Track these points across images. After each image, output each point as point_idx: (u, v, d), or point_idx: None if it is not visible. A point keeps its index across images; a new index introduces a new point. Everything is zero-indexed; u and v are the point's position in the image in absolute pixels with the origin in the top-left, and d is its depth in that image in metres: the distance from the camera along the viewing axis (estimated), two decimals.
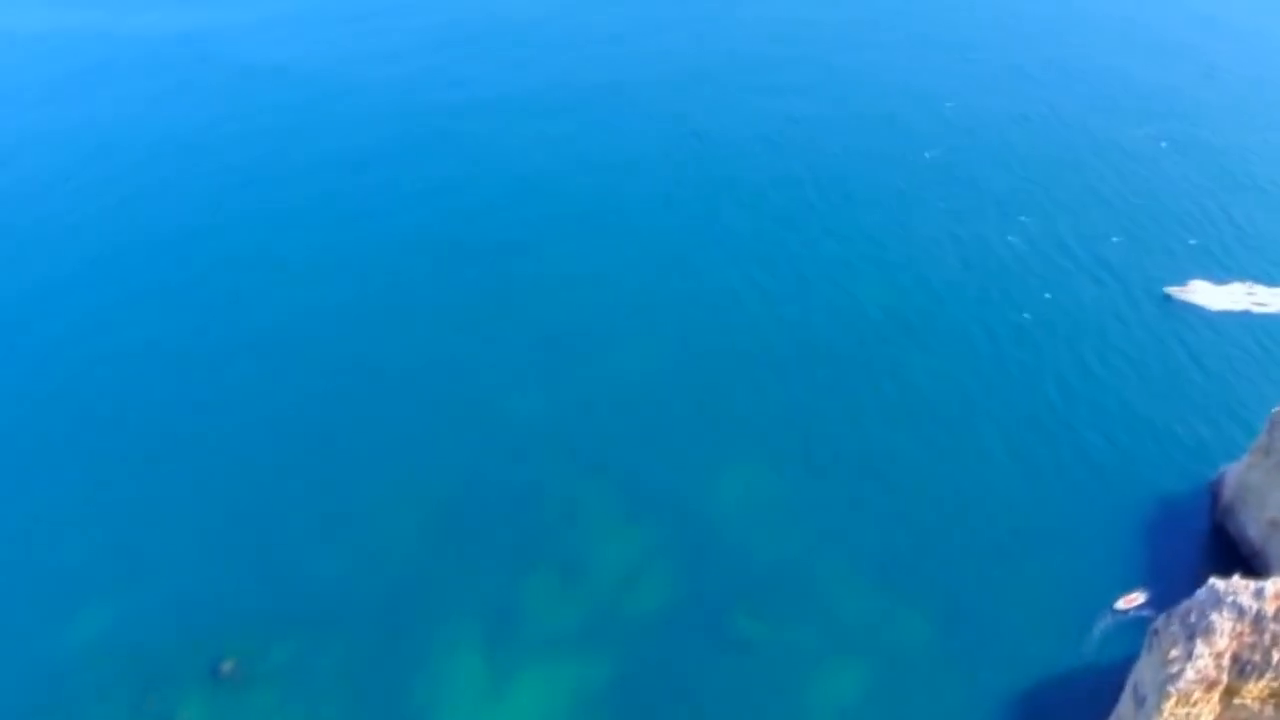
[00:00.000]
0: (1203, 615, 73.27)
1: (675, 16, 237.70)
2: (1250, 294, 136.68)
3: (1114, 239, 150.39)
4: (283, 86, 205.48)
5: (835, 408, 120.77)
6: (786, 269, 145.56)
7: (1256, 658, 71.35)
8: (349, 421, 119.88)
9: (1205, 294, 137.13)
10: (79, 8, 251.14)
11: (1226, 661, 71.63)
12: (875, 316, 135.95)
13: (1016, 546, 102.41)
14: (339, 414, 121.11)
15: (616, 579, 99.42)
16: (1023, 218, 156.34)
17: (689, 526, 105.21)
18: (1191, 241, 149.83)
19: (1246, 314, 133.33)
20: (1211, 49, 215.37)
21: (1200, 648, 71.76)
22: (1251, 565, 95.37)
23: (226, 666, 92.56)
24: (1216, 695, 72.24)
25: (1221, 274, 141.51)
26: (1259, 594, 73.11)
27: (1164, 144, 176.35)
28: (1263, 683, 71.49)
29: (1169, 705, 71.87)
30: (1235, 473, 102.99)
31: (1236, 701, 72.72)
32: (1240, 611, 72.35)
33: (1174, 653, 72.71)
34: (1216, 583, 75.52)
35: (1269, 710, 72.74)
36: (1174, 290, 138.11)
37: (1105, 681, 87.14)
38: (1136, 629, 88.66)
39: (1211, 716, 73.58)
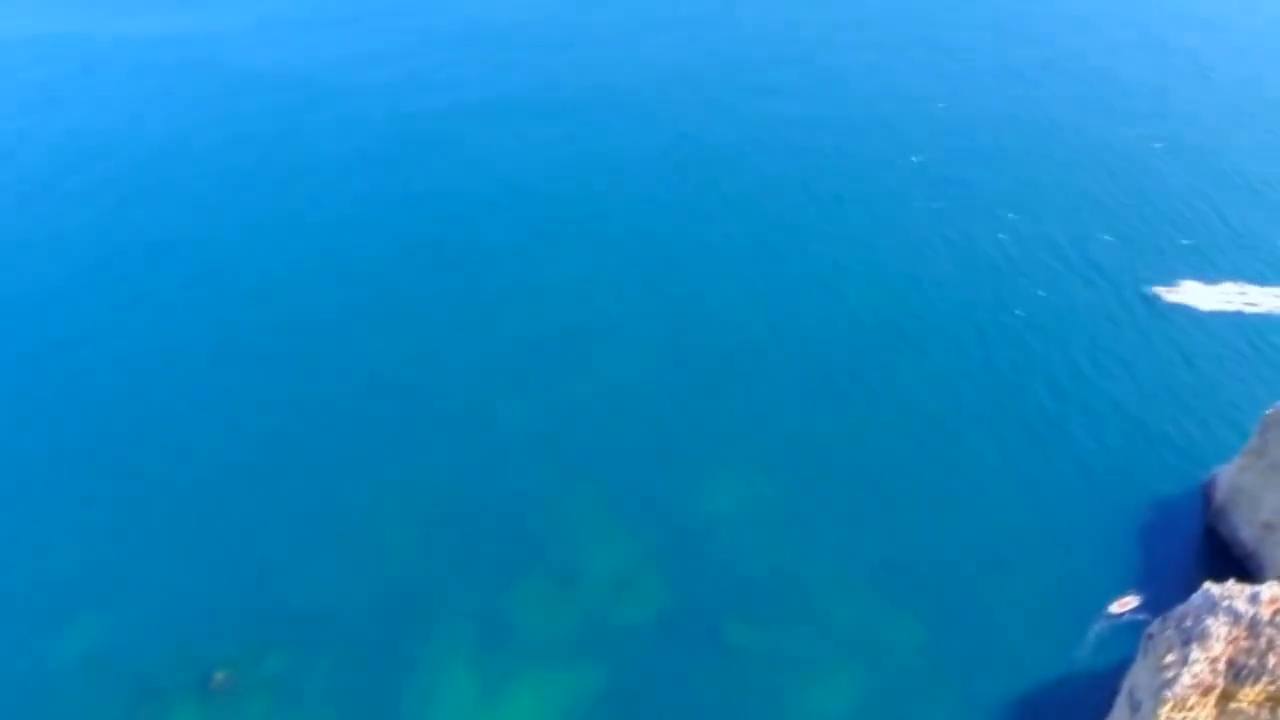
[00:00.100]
0: (1198, 620, 73.14)
1: (663, 18, 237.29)
2: (1242, 294, 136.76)
3: (1105, 239, 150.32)
4: (267, 91, 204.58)
5: (826, 411, 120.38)
6: (776, 272, 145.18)
7: (1252, 662, 71.21)
8: (338, 430, 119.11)
9: (1197, 294, 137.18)
10: (61, 13, 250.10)
11: (1222, 666, 71.52)
12: (865, 319, 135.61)
13: (1009, 550, 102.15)
14: (327, 423, 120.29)
15: (608, 586, 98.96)
16: (1014, 218, 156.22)
17: (680, 533, 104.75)
18: (1183, 242, 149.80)
19: (1238, 314, 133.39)
20: (1203, 49, 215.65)
21: (1196, 653, 71.60)
22: (1245, 567, 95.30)
23: (218, 678, 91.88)
24: (1212, 700, 72.07)
25: (1213, 274, 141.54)
26: (1254, 599, 73.03)
27: (1158, 145, 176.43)
28: (1259, 687, 71.33)
29: (1165, 710, 71.66)
30: (1228, 475, 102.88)
31: (1233, 706, 72.52)
32: (1236, 616, 72.24)
33: (1170, 658, 72.53)
34: (1211, 588, 75.46)
35: (1265, 714, 72.51)
36: (1165, 291, 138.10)
37: (1099, 686, 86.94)
38: (1130, 633, 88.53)
39: None
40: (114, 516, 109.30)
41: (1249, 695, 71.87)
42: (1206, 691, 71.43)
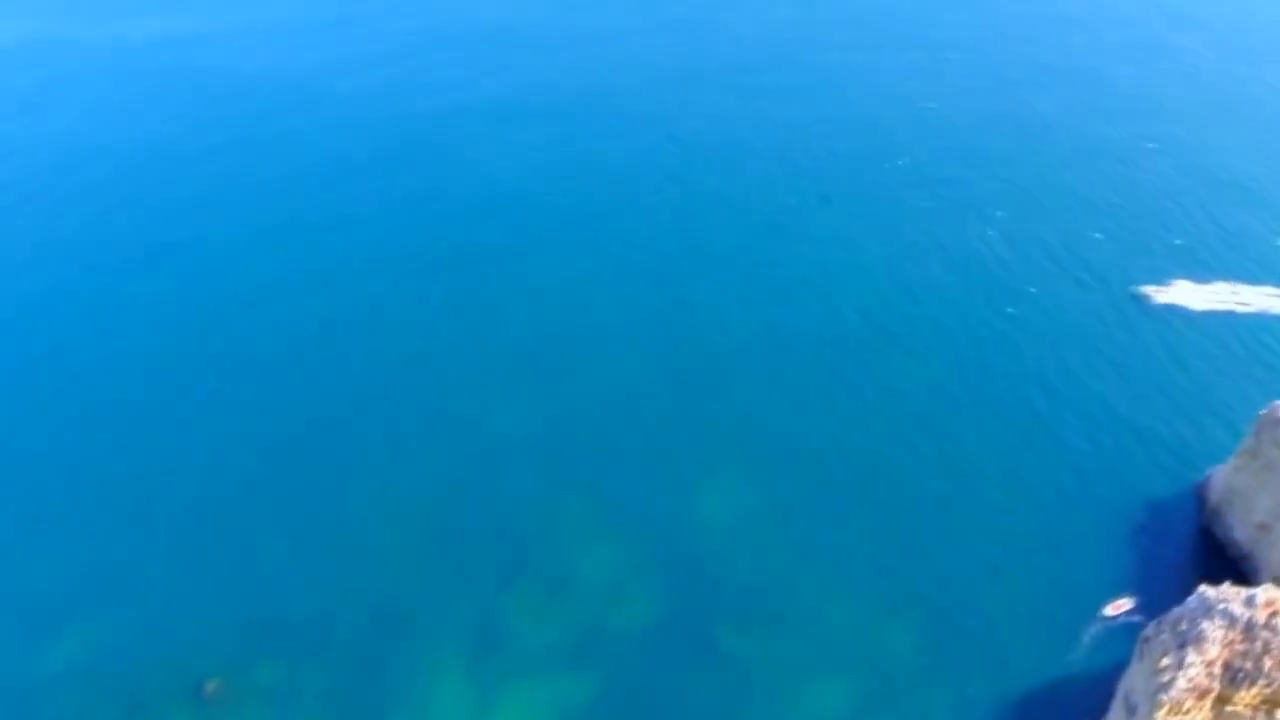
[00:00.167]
0: (1194, 623, 73.03)
1: (654, 21, 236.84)
2: (1234, 293, 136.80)
3: (1096, 239, 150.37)
4: (261, 94, 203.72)
5: (818, 416, 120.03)
6: (766, 275, 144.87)
7: (1248, 665, 71.09)
8: (328, 438, 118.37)
9: (1188, 294, 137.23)
10: (55, 16, 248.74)
11: (1218, 670, 71.39)
12: (855, 321, 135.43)
13: (1003, 553, 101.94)
14: (318, 430, 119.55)
15: (601, 594, 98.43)
16: (1004, 218, 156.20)
17: (673, 539, 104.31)
18: (1174, 241, 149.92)
19: (1230, 314, 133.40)
20: (1194, 49, 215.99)
21: (1192, 656, 71.49)
22: (1239, 569, 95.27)
23: (210, 686, 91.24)
24: (1208, 703, 72.00)
25: (1204, 274, 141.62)
26: (1250, 601, 72.94)
27: (1149, 145, 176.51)
28: (1255, 690, 71.24)
29: (1160, 714, 71.62)
30: (1221, 475, 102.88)
31: (1229, 709, 72.44)
32: (1231, 619, 72.14)
33: (1165, 661, 72.41)
34: (1207, 590, 75.36)
35: (1261, 717, 72.43)
36: (1157, 290, 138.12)
37: (1094, 690, 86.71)
38: (1125, 635, 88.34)
39: None
40: (105, 525, 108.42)
41: (1244, 698, 71.78)
42: (1202, 695, 71.34)
